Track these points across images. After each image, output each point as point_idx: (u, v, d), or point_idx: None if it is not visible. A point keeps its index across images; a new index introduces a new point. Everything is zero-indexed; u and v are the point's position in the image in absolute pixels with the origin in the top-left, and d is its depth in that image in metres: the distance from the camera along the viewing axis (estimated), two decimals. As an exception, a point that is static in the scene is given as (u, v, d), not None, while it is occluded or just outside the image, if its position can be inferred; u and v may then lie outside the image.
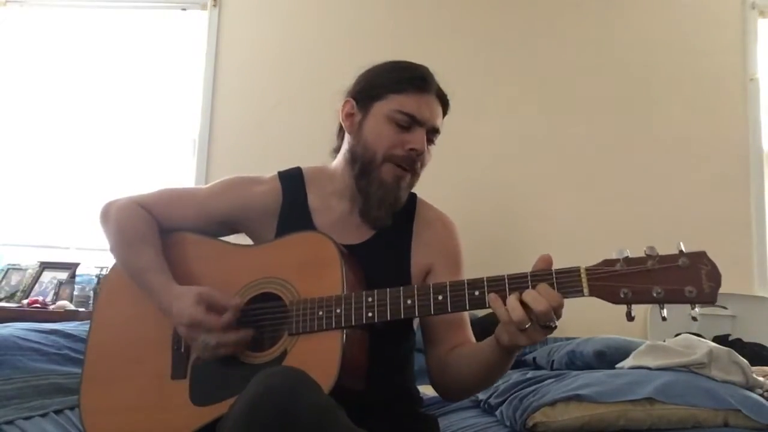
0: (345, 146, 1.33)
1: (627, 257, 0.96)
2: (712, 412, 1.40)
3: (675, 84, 3.04)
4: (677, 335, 1.88)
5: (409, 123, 1.25)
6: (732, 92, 3.03)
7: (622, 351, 1.76)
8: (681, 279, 0.93)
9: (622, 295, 0.95)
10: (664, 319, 0.95)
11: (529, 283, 0.99)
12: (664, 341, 1.71)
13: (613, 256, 0.97)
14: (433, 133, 1.29)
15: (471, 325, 1.31)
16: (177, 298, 1.18)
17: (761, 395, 1.49)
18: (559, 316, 0.98)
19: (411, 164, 1.27)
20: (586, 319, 2.67)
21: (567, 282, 0.98)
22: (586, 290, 0.97)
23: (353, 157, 1.29)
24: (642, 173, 2.97)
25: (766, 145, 3.02)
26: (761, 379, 1.56)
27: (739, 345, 2.28)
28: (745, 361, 1.53)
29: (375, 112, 1.27)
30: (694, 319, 0.93)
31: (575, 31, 3.12)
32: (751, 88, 3.03)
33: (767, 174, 2.99)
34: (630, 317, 0.96)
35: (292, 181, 1.37)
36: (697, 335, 1.89)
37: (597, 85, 3.06)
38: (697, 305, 0.93)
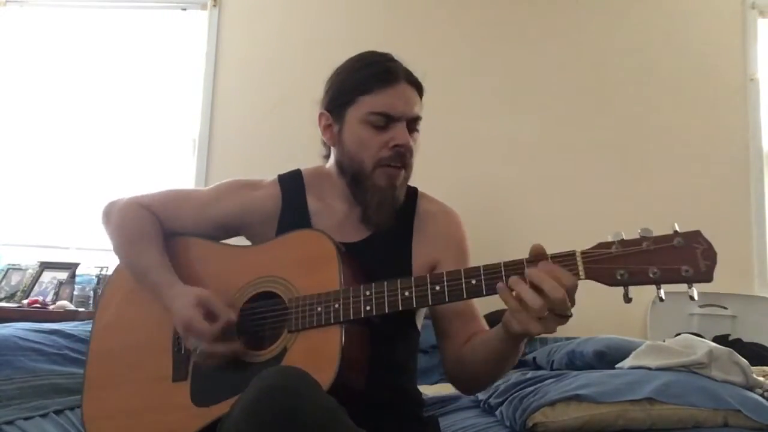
0: (332, 156, 1.32)
1: (622, 239, 0.96)
2: (712, 412, 1.40)
3: (675, 84, 3.04)
4: (677, 335, 1.89)
5: (385, 122, 1.23)
6: (732, 92, 3.03)
7: (622, 351, 1.76)
8: (677, 258, 0.93)
9: (618, 277, 0.94)
10: (661, 299, 0.94)
11: (525, 269, 0.97)
12: (664, 341, 1.71)
13: (609, 239, 0.97)
14: (413, 122, 1.26)
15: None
16: (178, 296, 1.19)
17: (761, 395, 1.49)
18: (573, 303, 0.95)
19: (401, 160, 1.25)
20: (586, 319, 2.67)
21: (563, 266, 0.97)
22: (582, 273, 0.95)
23: (342, 169, 1.28)
24: (641, 173, 2.97)
25: (766, 145, 3.02)
26: (761, 379, 1.56)
27: (739, 345, 2.28)
28: (745, 361, 1.53)
29: (349, 120, 1.25)
30: (692, 298, 0.93)
31: (574, 30, 3.12)
32: (751, 88, 3.03)
33: (767, 174, 2.99)
34: (627, 299, 0.95)
35: (292, 184, 1.37)
36: (697, 335, 1.90)
37: (597, 85, 3.06)
38: (693, 284, 0.92)
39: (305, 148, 1.48)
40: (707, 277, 0.92)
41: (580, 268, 0.96)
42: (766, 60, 3.06)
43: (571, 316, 0.96)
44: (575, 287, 0.95)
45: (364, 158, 1.24)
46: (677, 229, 0.95)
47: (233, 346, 1.15)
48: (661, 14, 3.10)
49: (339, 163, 1.29)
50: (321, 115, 1.31)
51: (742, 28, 3.07)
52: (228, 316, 1.15)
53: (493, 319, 1.34)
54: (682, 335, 1.77)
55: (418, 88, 1.28)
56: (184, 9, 3.30)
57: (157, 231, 1.32)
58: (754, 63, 3.04)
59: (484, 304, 1.25)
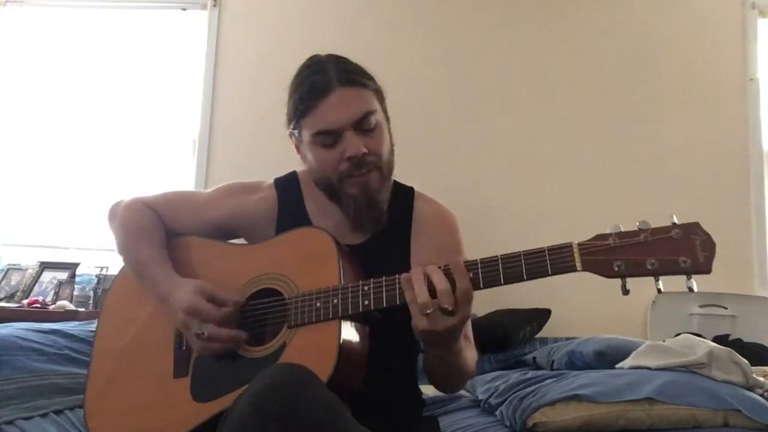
0: None
1: (620, 231, 0.96)
2: (712, 412, 1.40)
3: (675, 84, 3.04)
4: (677, 335, 1.89)
5: (332, 138, 1.19)
6: (732, 92, 3.03)
7: (622, 351, 1.76)
8: (675, 250, 0.92)
9: (615, 268, 0.94)
10: (659, 291, 0.94)
11: (522, 261, 0.99)
12: (664, 341, 1.71)
13: (607, 231, 0.97)
14: (363, 121, 1.19)
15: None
16: (178, 287, 1.20)
17: (761, 395, 1.49)
18: (460, 301, 0.99)
19: (365, 165, 1.21)
20: (586, 319, 2.68)
21: (560, 258, 0.97)
22: (579, 265, 0.96)
23: (317, 185, 1.29)
24: (641, 173, 2.97)
25: (766, 145, 3.02)
26: (761, 379, 1.56)
27: (739, 345, 2.28)
28: (745, 361, 1.53)
29: (304, 142, 1.26)
30: (691, 289, 0.92)
31: (573, 31, 3.11)
32: (751, 88, 3.03)
33: (767, 174, 2.99)
34: (625, 291, 0.95)
35: (288, 187, 1.37)
36: (697, 335, 1.90)
37: (597, 84, 3.06)
38: (692, 275, 0.92)
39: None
40: (706, 268, 0.91)
41: (577, 259, 0.96)
42: (766, 60, 3.06)
43: (452, 313, 0.99)
44: (469, 289, 0.99)
45: (327, 174, 1.24)
46: (675, 220, 0.95)
47: (238, 332, 1.16)
48: (661, 14, 3.10)
49: (314, 180, 1.30)
50: (290, 134, 1.31)
51: (742, 28, 3.07)
52: (236, 299, 1.17)
53: (493, 319, 1.35)
54: (682, 335, 1.77)
55: (359, 83, 1.21)
56: (184, 9, 3.29)
57: (159, 228, 1.34)
58: (754, 63, 3.04)
59: (485, 304, 1.25)
